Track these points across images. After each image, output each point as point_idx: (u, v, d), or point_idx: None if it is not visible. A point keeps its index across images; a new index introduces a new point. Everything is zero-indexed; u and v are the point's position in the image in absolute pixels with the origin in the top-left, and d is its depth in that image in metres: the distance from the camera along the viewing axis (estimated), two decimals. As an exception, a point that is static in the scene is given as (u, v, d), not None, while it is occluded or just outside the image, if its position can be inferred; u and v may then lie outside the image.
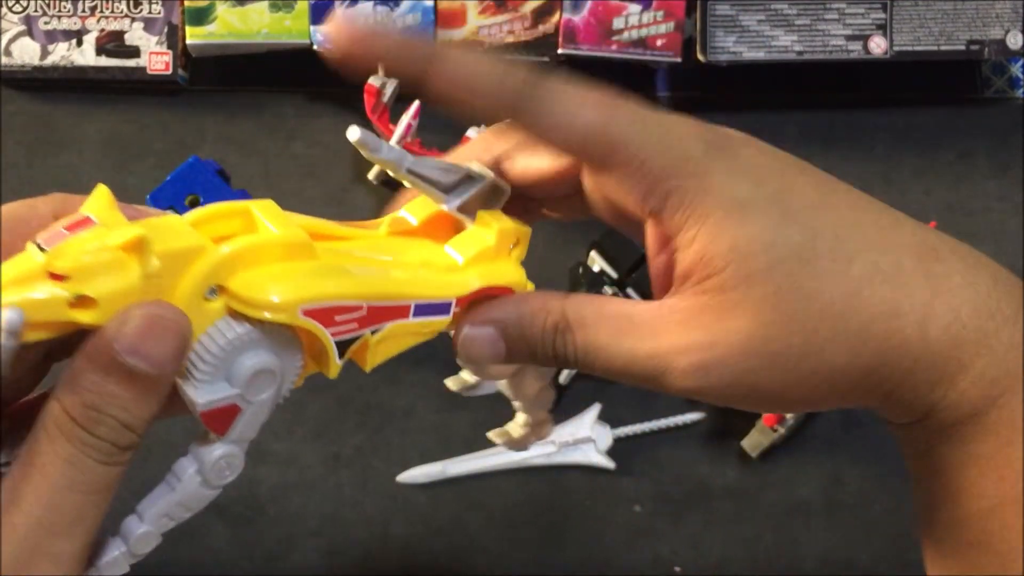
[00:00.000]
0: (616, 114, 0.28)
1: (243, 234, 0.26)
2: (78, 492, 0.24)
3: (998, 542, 0.27)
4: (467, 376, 0.35)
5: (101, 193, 0.25)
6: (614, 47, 0.64)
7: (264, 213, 0.26)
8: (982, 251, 0.61)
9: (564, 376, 0.59)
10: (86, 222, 0.24)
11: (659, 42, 0.64)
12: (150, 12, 0.65)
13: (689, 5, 0.64)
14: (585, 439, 0.60)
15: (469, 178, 0.31)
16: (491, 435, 0.37)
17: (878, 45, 0.65)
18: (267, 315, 0.25)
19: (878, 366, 0.27)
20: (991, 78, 0.69)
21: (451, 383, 0.36)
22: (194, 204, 0.55)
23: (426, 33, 0.32)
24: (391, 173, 0.30)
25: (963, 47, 0.65)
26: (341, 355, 0.27)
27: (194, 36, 0.63)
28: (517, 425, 0.37)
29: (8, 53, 0.64)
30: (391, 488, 0.60)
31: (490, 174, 0.31)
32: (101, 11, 0.65)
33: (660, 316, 0.28)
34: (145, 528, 0.27)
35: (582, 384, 0.61)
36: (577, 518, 0.59)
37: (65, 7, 0.65)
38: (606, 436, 0.60)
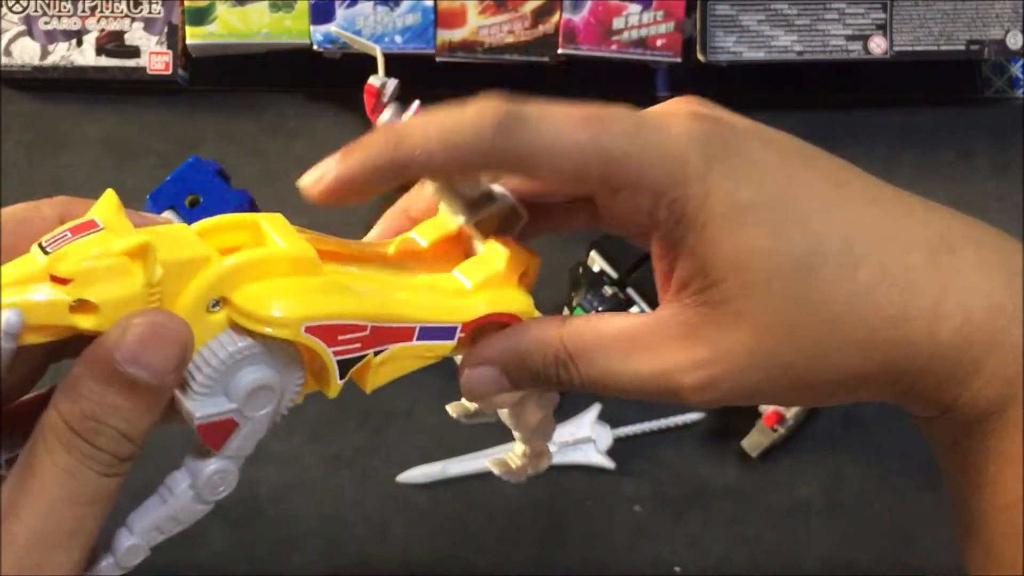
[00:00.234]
0: (606, 128, 0.27)
1: (250, 247, 0.26)
2: (76, 504, 0.24)
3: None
4: (468, 403, 0.35)
5: (109, 198, 0.25)
6: (614, 47, 0.64)
7: (273, 227, 0.26)
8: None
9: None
10: (91, 226, 0.24)
11: (659, 42, 0.64)
12: (150, 12, 0.65)
13: (689, 5, 0.64)
14: (585, 439, 0.60)
15: (490, 197, 0.31)
16: (489, 464, 0.37)
17: (878, 45, 0.65)
18: (269, 330, 0.25)
19: (889, 369, 0.27)
20: (991, 78, 0.69)
21: (452, 409, 0.35)
22: (194, 204, 0.55)
23: (391, 117, 0.30)
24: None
25: (963, 47, 0.65)
26: (342, 375, 0.27)
27: (194, 36, 0.63)
28: (515, 456, 0.36)
29: (8, 53, 0.64)
30: (391, 488, 0.60)
31: (510, 197, 0.31)
32: (101, 11, 0.65)
33: (660, 331, 0.27)
34: (134, 541, 0.26)
35: (582, 384, 0.61)
36: (577, 518, 0.59)
37: (65, 7, 0.65)
38: (606, 436, 0.60)
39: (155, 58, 0.65)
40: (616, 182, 0.27)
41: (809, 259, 0.26)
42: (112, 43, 0.65)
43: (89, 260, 0.23)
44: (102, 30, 0.65)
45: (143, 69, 0.65)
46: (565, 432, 0.60)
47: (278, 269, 0.25)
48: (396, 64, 0.62)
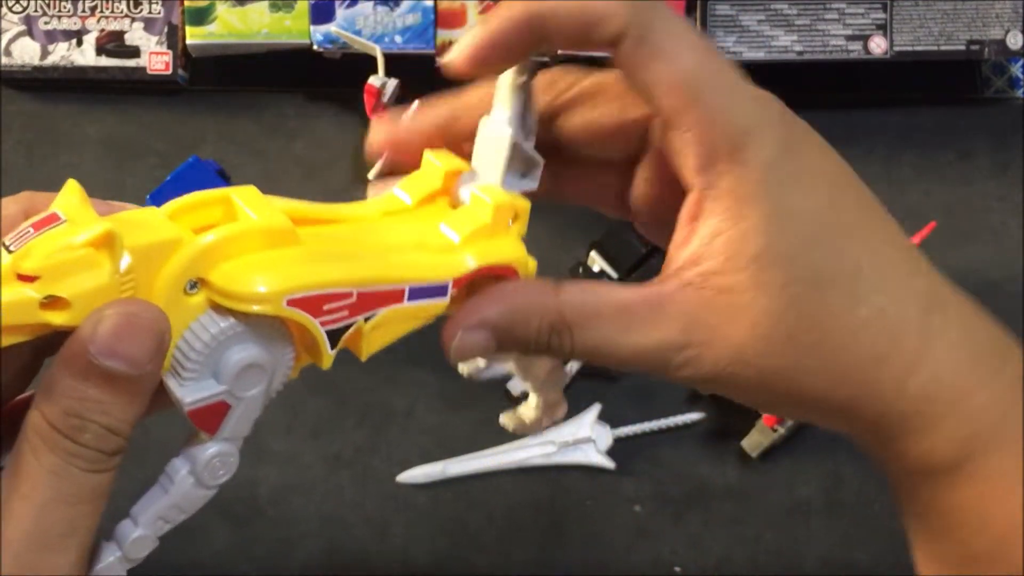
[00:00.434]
0: (711, 66, 0.27)
1: (224, 223, 0.25)
2: (67, 503, 0.23)
3: None
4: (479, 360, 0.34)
5: (71, 188, 0.24)
6: (614, 47, 0.64)
7: (244, 200, 0.25)
8: (982, 251, 0.61)
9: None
10: (54, 219, 0.23)
11: (659, 42, 0.64)
12: (150, 12, 0.65)
13: (689, 5, 0.64)
14: (585, 439, 0.60)
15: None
16: (503, 420, 0.35)
17: (878, 45, 0.65)
18: (251, 307, 0.24)
19: (850, 407, 0.28)
20: (991, 78, 0.69)
21: (461, 367, 0.34)
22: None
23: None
24: None
25: (963, 47, 0.65)
26: (333, 345, 0.26)
27: (194, 36, 0.63)
28: (529, 408, 0.35)
29: (8, 53, 0.64)
30: (391, 488, 0.60)
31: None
32: (101, 11, 0.65)
33: (662, 305, 0.27)
34: (140, 532, 0.26)
35: (582, 384, 0.61)
36: (577, 518, 0.59)
37: (65, 7, 0.65)
38: (606, 436, 0.60)
39: (155, 58, 0.65)
40: (691, 117, 0.27)
41: (823, 278, 0.27)
42: (112, 43, 0.65)
43: (54, 255, 0.22)
44: (102, 30, 0.65)
45: (143, 69, 0.65)
46: (565, 432, 0.60)
47: (254, 243, 0.24)
48: (396, 64, 0.62)
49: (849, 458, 0.61)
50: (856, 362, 0.27)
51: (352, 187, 0.64)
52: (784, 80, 0.68)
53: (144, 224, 0.23)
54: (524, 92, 0.29)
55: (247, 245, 0.24)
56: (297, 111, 0.66)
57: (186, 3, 0.63)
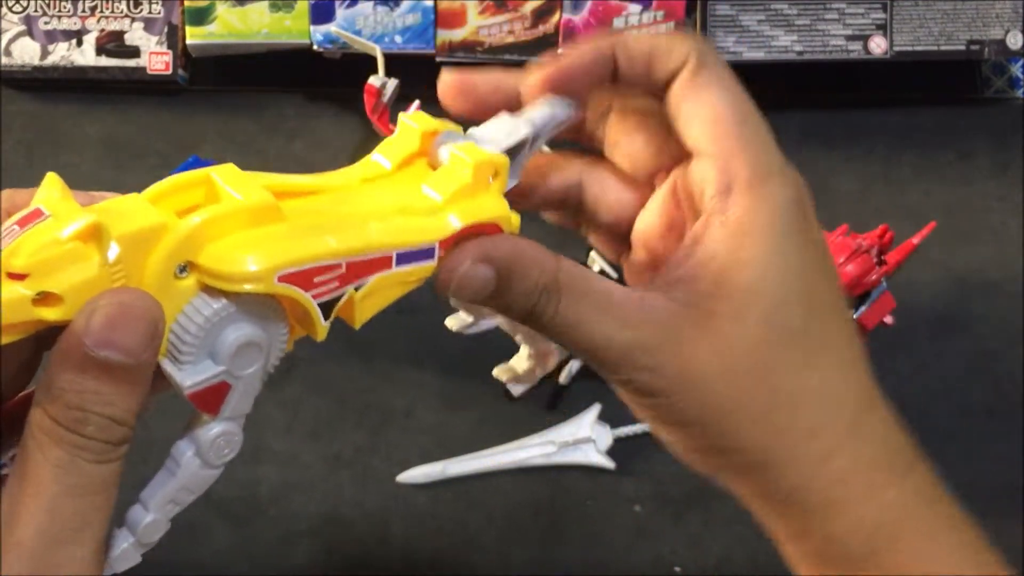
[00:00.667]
0: (749, 108, 0.29)
1: (206, 204, 0.25)
2: (77, 496, 0.23)
3: None
4: (464, 315, 0.34)
5: (51, 181, 0.24)
6: (614, 47, 0.64)
7: (225, 178, 0.25)
8: (982, 251, 0.61)
9: (564, 376, 0.59)
10: (37, 215, 0.23)
11: (659, 42, 0.64)
12: (150, 12, 0.65)
13: (689, 5, 0.64)
14: (585, 439, 0.60)
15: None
16: (496, 372, 0.36)
17: (878, 45, 0.65)
18: (242, 287, 0.24)
19: (769, 469, 0.28)
20: (991, 78, 0.69)
21: (450, 322, 0.34)
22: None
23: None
24: None
25: (963, 47, 0.65)
26: (326, 316, 0.26)
27: (194, 36, 0.63)
28: (521, 359, 0.35)
29: (8, 53, 0.64)
30: (391, 488, 0.60)
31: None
32: (101, 11, 0.65)
33: (647, 307, 0.28)
34: (152, 516, 0.26)
35: (582, 384, 0.61)
36: (577, 518, 0.59)
37: (65, 7, 0.65)
38: (606, 436, 0.60)
39: (155, 58, 0.65)
40: (721, 148, 0.28)
41: (795, 335, 0.28)
42: (112, 43, 0.65)
43: (42, 250, 0.22)
44: (102, 30, 0.65)
45: (143, 69, 0.65)
46: (565, 432, 0.60)
47: (239, 222, 0.24)
48: (396, 64, 0.62)
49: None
50: (792, 425, 0.28)
51: (352, 187, 0.64)
52: (784, 80, 0.68)
53: (128, 212, 0.23)
54: (555, 118, 0.30)
55: (233, 224, 0.24)
56: (297, 111, 0.66)
57: (186, 3, 0.63)
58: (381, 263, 0.26)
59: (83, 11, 0.65)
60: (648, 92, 0.30)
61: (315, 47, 0.63)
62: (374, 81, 0.61)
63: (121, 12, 0.65)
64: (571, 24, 0.63)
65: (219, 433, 0.26)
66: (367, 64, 0.61)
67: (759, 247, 0.28)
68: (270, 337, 0.26)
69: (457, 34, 0.63)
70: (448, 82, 0.30)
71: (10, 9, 0.65)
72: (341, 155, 0.65)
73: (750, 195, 0.28)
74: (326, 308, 0.26)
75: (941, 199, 0.65)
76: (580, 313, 0.28)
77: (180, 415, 0.27)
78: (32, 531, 0.23)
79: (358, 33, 0.63)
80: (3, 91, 0.66)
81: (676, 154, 0.31)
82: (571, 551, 0.58)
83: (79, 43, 0.65)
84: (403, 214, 0.27)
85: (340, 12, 0.63)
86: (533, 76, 0.30)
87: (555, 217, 0.34)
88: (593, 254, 0.59)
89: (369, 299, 0.27)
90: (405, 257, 0.27)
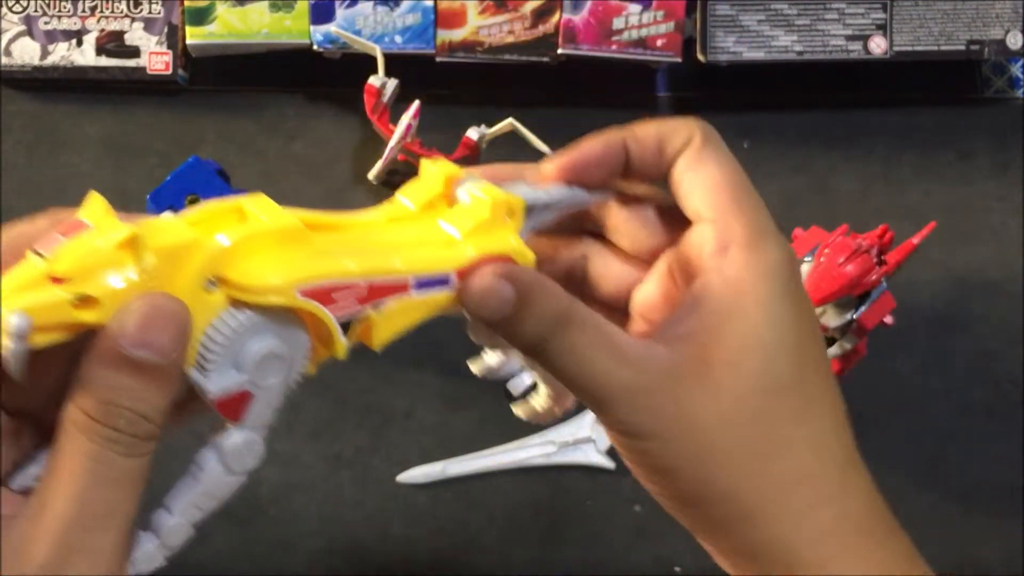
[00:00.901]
0: (746, 181, 0.32)
1: (237, 226, 0.26)
2: (106, 486, 0.24)
3: None
4: (489, 358, 0.35)
5: (95, 200, 0.26)
6: (614, 47, 0.64)
7: (257, 207, 0.27)
8: (982, 251, 0.61)
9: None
10: (80, 226, 0.25)
11: (659, 42, 0.64)
12: (150, 12, 0.65)
13: (689, 5, 0.64)
14: (585, 439, 0.60)
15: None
16: (515, 409, 0.37)
17: (878, 45, 0.65)
18: (265, 299, 0.25)
19: (752, 518, 0.29)
20: (991, 78, 0.69)
21: (474, 366, 0.36)
22: (194, 204, 0.55)
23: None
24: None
25: (963, 47, 0.65)
26: (345, 334, 0.28)
27: (194, 36, 0.63)
28: (540, 397, 0.37)
29: (8, 53, 0.64)
30: (391, 488, 0.61)
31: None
32: (101, 11, 0.65)
33: (649, 352, 0.29)
34: (176, 520, 0.27)
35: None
36: (577, 518, 0.59)
37: (65, 7, 0.65)
38: (606, 436, 0.60)
39: (155, 58, 0.65)
40: (720, 212, 0.30)
41: (787, 386, 0.29)
42: (112, 43, 0.65)
43: (84, 257, 0.24)
44: (102, 30, 0.65)
45: (143, 69, 0.65)
46: (565, 432, 0.60)
47: (267, 242, 0.26)
48: (396, 64, 0.62)
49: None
50: (782, 472, 0.28)
51: (351, 187, 0.64)
52: (784, 80, 0.68)
53: (166, 228, 0.25)
54: (574, 196, 0.33)
55: (261, 244, 0.26)
56: (297, 111, 0.66)
57: (186, 3, 0.63)
58: (399, 287, 0.28)
59: (83, 11, 0.65)
60: (659, 176, 0.32)
61: (315, 47, 0.63)
62: (374, 81, 0.61)
63: (121, 12, 0.65)
64: (571, 24, 0.63)
65: (241, 440, 0.27)
66: (367, 64, 0.61)
67: (755, 302, 0.29)
68: (292, 351, 0.27)
69: (457, 34, 0.63)
70: (563, 165, 0.32)
71: (10, 9, 0.65)
72: (341, 155, 0.65)
73: (747, 254, 0.30)
74: (346, 327, 0.27)
75: (941, 199, 0.65)
76: (586, 347, 0.29)
77: (193, 428, 0.27)
78: (62, 515, 0.24)
79: (358, 33, 0.63)
80: (3, 91, 0.66)
81: (671, 235, 0.33)
82: (571, 551, 0.58)
83: (79, 43, 0.65)
84: (423, 245, 0.29)
85: (340, 12, 0.63)
86: (549, 166, 0.32)
87: None
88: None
89: (387, 321, 0.28)
90: (423, 283, 0.28)
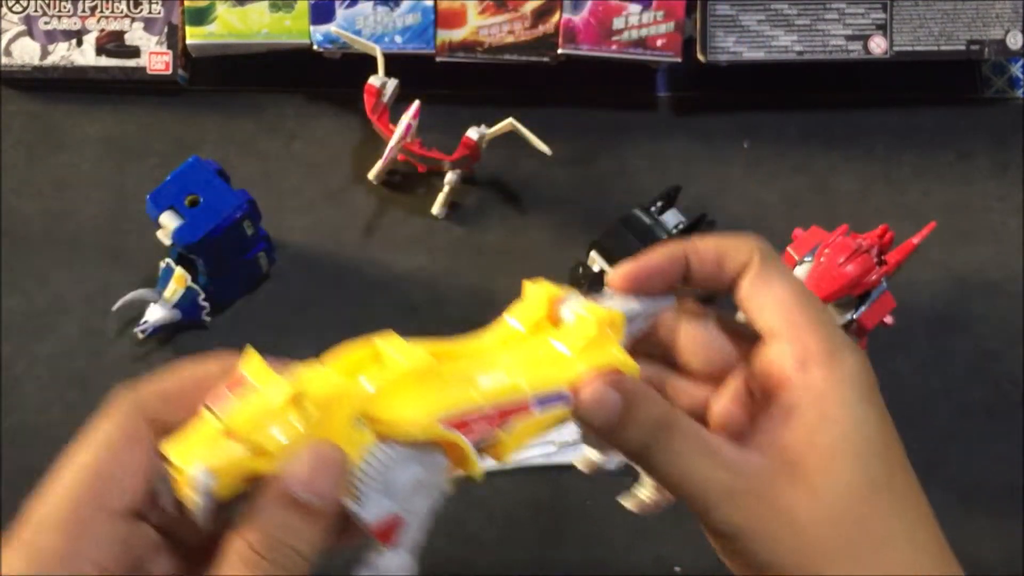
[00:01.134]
0: (810, 296, 0.34)
1: (373, 366, 0.30)
2: None
3: None
4: (592, 455, 0.39)
5: (251, 356, 0.29)
6: (614, 47, 0.64)
7: (388, 345, 0.30)
8: (982, 251, 0.61)
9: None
10: (242, 381, 0.28)
11: (659, 42, 0.64)
12: (150, 12, 0.65)
13: (689, 5, 0.64)
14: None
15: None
16: (623, 501, 0.40)
17: (878, 45, 0.65)
18: (411, 434, 0.29)
19: None
20: (991, 78, 0.69)
21: (580, 464, 0.39)
22: (194, 204, 0.55)
23: None
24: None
25: (963, 47, 0.65)
26: (479, 454, 0.31)
27: (194, 36, 0.63)
28: (646, 488, 0.40)
29: (8, 53, 0.64)
30: (391, 488, 0.60)
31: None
32: (101, 11, 0.65)
33: (745, 457, 0.32)
34: None
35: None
36: (577, 518, 0.59)
37: (65, 7, 0.65)
38: (606, 436, 0.60)
39: (155, 58, 0.65)
40: (794, 331, 0.32)
41: (879, 485, 0.31)
42: (112, 43, 0.65)
43: (255, 414, 0.27)
44: (102, 30, 0.65)
45: (143, 69, 0.65)
46: (565, 432, 0.60)
47: (405, 381, 0.29)
48: (396, 64, 0.62)
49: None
50: (882, 566, 0.30)
51: (352, 187, 0.64)
52: (784, 80, 0.68)
53: (318, 379, 0.29)
54: (656, 304, 0.36)
55: (401, 383, 0.29)
56: (297, 111, 0.66)
57: (186, 3, 0.63)
58: (523, 407, 0.31)
59: (83, 11, 0.65)
60: (716, 289, 0.35)
61: (315, 47, 0.63)
62: (374, 81, 0.61)
63: (121, 12, 0.65)
64: (571, 24, 0.63)
65: (396, 562, 0.30)
66: (367, 64, 0.61)
67: (841, 409, 0.31)
68: (435, 476, 0.30)
69: (457, 34, 0.63)
70: (627, 275, 0.35)
71: (10, 9, 0.65)
72: (341, 155, 0.65)
73: (827, 366, 0.32)
74: (479, 448, 0.31)
75: (941, 199, 0.65)
76: (686, 452, 0.31)
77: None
78: None
79: (358, 33, 0.63)
80: (3, 91, 0.66)
81: (740, 352, 0.35)
82: (571, 551, 0.58)
83: (79, 43, 0.65)
84: (539, 365, 0.33)
85: (340, 12, 0.63)
86: (615, 274, 0.35)
87: None
88: (593, 254, 0.59)
89: (513, 439, 0.32)
90: (543, 401, 0.32)
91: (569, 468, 0.60)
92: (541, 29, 0.64)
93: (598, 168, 0.65)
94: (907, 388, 0.60)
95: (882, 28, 0.65)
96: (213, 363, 0.30)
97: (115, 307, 0.58)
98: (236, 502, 0.28)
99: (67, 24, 0.65)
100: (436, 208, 0.63)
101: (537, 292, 0.35)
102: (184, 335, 0.60)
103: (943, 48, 0.65)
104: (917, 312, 0.62)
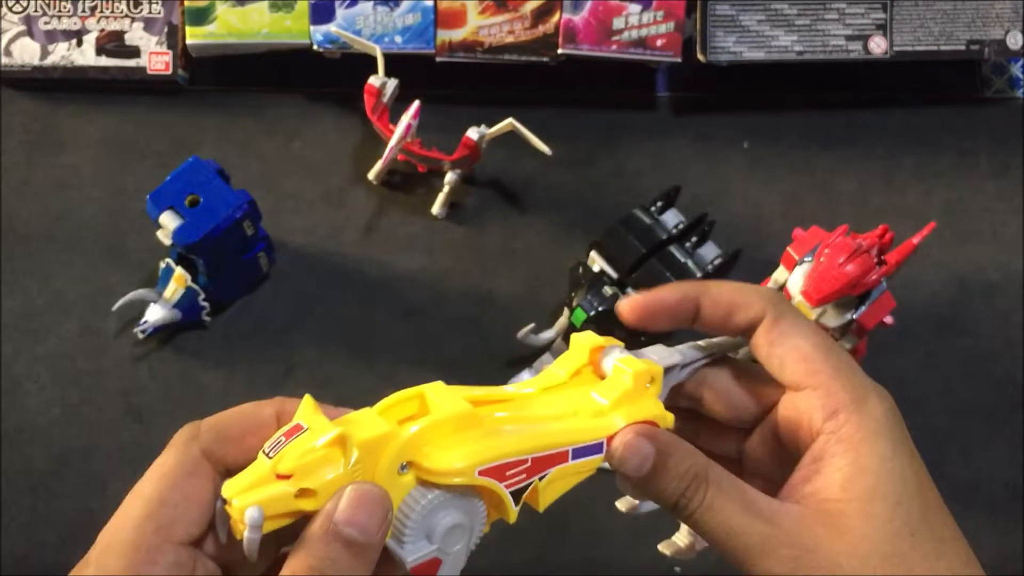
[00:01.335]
0: (830, 344, 0.34)
1: (420, 414, 0.32)
2: None
3: None
4: (633, 499, 0.40)
5: (307, 403, 0.31)
6: (614, 47, 0.64)
7: (434, 393, 0.32)
8: (982, 251, 0.61)
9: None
10: (298, 428, 0.30)
11: (659, 42, 0.64)
12: (150, 12, 0.65)
13: (689, 5, 0.64)
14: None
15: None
16: (661, 548, 0.42)
17: (878, 45, 0.65)
18: (451, 480, 0.30)
19: None
20: (991, 78, 0.69)
21: (621, 505, 0.41)
22: (194, 204, 0.55)
23: None
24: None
25: (963, 47, 0.65)
26: (516, 502, 0.32)
27: (194, 36, 0.63)
28: (682, 535, 0.41)
29: (8, 53, 0.64)
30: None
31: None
32: (101, 11, 0.65)
33: (783, 507, 0.32)
34: None
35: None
36: (577, 518, 0.59)
37: (65, 7, 0.65)
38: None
39: (155, 58, 0.65)
40: (817, 382, 0.33)
41: (916, 525, 0.32)
42: (112, 43, 0.65)
43: (303, 456, 0.29)
44: (102, 30, 0.65)
45: (143, 69, 0.65)
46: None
47: (447, 428, 0.31)
48: (396, 64, 0.62)
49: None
50: None
51: (352, 187, 0.64)
52: (784, 80, 0.68)
53: (365, 423, 0.30)
54: (698, 355, 0.37)
55: (442, 430, 0.31)
56: (297, 111, 0.66)
57: (186, 3, 0.63)
58: (559, 457, 0.33)
59: (83, 11, 0.65)
60: (722, 333, 0.36)
61: (315, 47, 0.63)
62: (374, 81, 0.61)
63: (121, 12, 0.65)
64: (571, 24, 0.63)
65: None
66: (367, 64, 0.61)
67: (874, 456, 0.32)
68: (472, 520, 0.32)
69: (457, 34, 0.63)
70: (636, 306, 0.36)
71: (10, 9, 0.65)
72: (341, 155, 0.65)
73: (857, 414, 0.32)
74: (516, 495, 0.32)
75: (941, 199, 0.65)
76: (723, 504, 0.32)
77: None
78: None
79: (358, 33, 0.63)
80: (3, 91, 0.66)
81: (766, 402, 0.36)
82: (571, 551, 0.58)
83: (79, 43, 0.65)
84: (576, 416, 0.34)
85: (340, 12, 0.63)
86: (624, 303, 0.36)
87: None
88: (593, 254, 0.59)
89: (551, 486, 0.33)
90: (579, 452, 0.33)
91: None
92: (541, 29, 0.64)
93: (598, 168, 0.65)
94: (907, 388, 0.60)
95: (882, 28, 0.65)
96: (268, 406, 0.32)
97: (115, 307, 0.58)
98: (290, 539, 0.30)
99: (67, 24, 0.65)
100: (436, 208, 0.63)
101: (581, 341, 0.36)
102: (184, 335, 0.60)
103: (943, 48, 0.65)
104: (917, 312, 0.62)
